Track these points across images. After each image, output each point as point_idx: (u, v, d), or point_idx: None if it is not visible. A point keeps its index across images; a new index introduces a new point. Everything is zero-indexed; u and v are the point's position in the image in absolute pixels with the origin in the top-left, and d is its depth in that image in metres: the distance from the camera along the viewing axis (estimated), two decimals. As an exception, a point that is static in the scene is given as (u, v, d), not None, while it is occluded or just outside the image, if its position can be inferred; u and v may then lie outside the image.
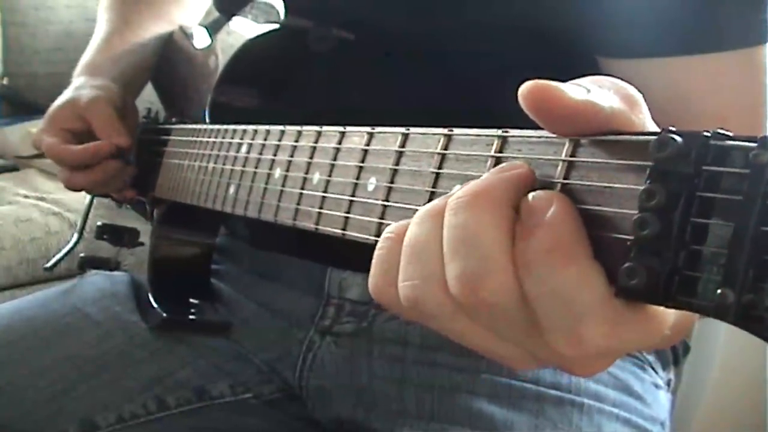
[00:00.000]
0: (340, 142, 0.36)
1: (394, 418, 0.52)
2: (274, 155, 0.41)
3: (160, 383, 0.57)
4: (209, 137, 0.52)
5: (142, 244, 0.70)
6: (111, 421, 0.55)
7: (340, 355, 0.55)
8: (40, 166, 1.45)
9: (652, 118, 0.25)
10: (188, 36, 0.68)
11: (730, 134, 0.21)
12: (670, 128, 0.21)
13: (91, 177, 0.66)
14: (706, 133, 0.21)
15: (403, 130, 0.32)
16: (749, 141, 0.20)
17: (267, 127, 0.43)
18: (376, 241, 0.28)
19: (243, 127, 0.47)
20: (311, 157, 0.38)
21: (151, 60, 0.72)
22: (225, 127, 0.49)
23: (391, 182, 0.32)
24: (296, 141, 0.40)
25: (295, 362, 0.57)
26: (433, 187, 0.29)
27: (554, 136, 0.25)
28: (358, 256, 0.32)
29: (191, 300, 0.62)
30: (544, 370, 0.51)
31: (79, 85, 0.68)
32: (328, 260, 0.56)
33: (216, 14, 0.65)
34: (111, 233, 0.70)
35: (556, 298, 0.23)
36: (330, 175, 0.36)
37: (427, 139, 0.30)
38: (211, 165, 0.50)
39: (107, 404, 0.55)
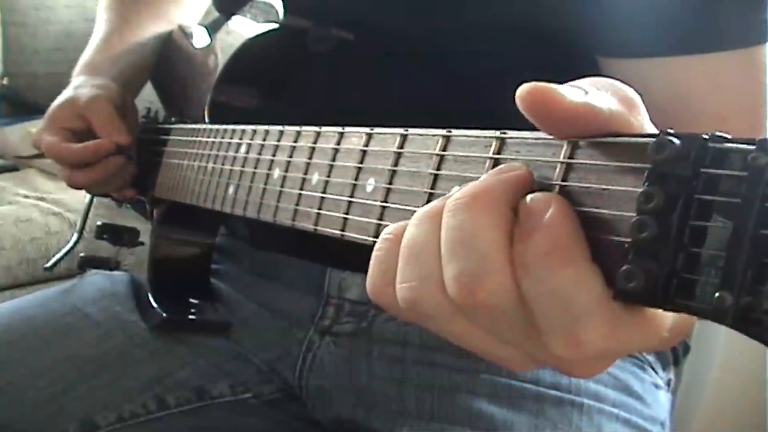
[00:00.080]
0: (338, 143, 0.36)
1: (393, 418, 0.52)
2: (273, 155, 0.41)
3: (160, 383, 0.57)
4: (208, 137, 0.52)
5: (142, 243, 0.70)
6: (111, 420, 0.55)
7: (340, 355, 0.55)
8: (40, 166, 1.45)
9: (652, 118, 0.25)
10: (187, 35, 0.68)
11: (729, 137, 0.21)
12: (669, 130, 0.21)
13: (92, 175, 0.66)
14: (704, 136, 0.21)
15: (401, 131, 0.32)
16: (747, 144, 0.20)
17: (266, 127, 0.43)
18: (375, 242, 0.28)
19: (242, 127, 0.46)
20: (310, 158, 0.38)
21: (151, 59, 0.72)
22: (224, 127, 0.49)
23: (390, 183, 0.31)
24: (295, 141, 0.40)
25: (295, 362, 0.57)
26: (432, 188, 0.29)
27: (552, 138, 0.25)
28: (357, 256, 0.32)
29: (191, 300, 0.62)
30: (543, 370, 0.51)
31: (79, 85, 0.68)
32: (328, 260, 0.56)
33: (215, 14, 0.65)
34: (111, 233, 0.70)
35: (554, 299, 0.23)
36: (329, 176, 0.36)
37: (425, 140, 0.30)
38: (210, 165, 0.50)
39: (107, 404, 0.55)
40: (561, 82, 0.24)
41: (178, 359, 0.58)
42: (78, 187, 0.68)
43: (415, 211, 0.27)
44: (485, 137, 0.28)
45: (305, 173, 0.38)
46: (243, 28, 0.56)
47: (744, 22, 0.42)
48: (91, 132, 0.66)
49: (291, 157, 0.40)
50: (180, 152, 0.58)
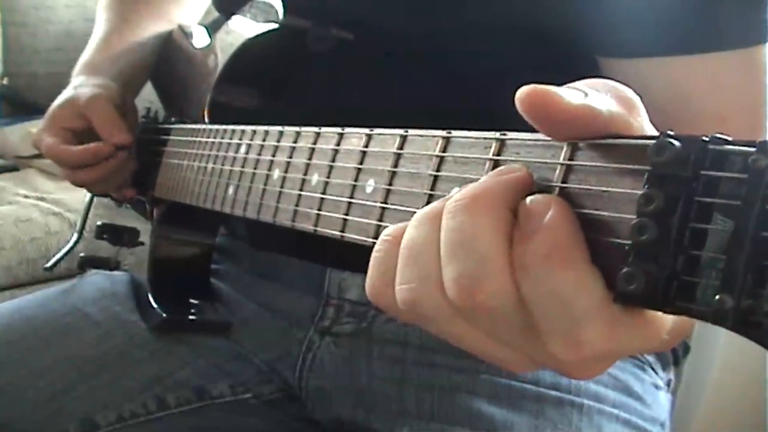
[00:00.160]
0: (338, 144, 0.36)
1: (393, 418, 0.52)
2: (273, 156, 0.41)
3: (160, 383, 0.57)
4: (208, 137, 0.52)
5: (142, 243, 0.70)
6: (111, 420, 0.55)
7: (340, 356, 0.55)
8: (40, 166, 1.45)
9: (652, 118, 0.25)
10: (187, 35, 0.68)
11: (729, 138, 0.21)
12: (669, 132, 0.21)
13: (92, 175, 0.66)
14: (704, 138, 0.21)
15: (401, 131, 0.32)
16: (748, 146, 0.20)
17: (266, 127, 0.43)
18: (374, 243, 0.28)
19: (242, 127, 0.46)
20: (310, 159, 0.38)
21: (150, 59, 0.72)
22: (224, 127, 0.49)
23: (390, 184, 0.31)
24: (295, 142, 0.39)
25: (295, 362, 0.57)
26: (431, 189, 0.29)
27: (552, 139, 0.25)
28: (357, 257, 0.32)
29: (191, 300, 0.62)
30: (543, 370, 0.51)
31: (79, 84, 0.68)
32: (328, 261, 0.56)
33: (215, 13, 0.65)
34: (111, 233, 0.70)
35: (554, 301, 0.23)
36: (328, 177, 0.36)
37: (425, 141, 0.30)
38: (210, 165, 0.50)
39: (107, 404, 0.55)
40: (561, 83, 0.24)
41: (178, 359, 0.58)
42: (79, 186, 0.68)
43: (414, 213, 0.27)
44: (485, 138, 0.28)
45: (305, 174, 0.38)
46: (243, 28, 0.56)
47: (744, 22, 0.42)
48: (92, 131, 0.65)
49: (291, 157, 0.39)
50: (180, 152, 0.58)
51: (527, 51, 0.45)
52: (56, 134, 0.66)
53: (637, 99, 0.25)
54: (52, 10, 1.72)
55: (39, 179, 1.42)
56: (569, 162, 0.24)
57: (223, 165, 0.48)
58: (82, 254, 0.70)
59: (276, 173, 0.41)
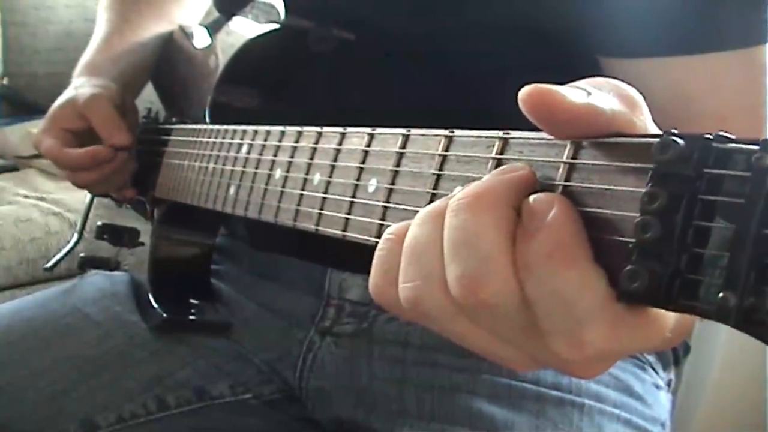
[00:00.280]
0: (340, 143, 0.36)
1: (394, 418, 0.52)
2: (275, 156, 0.41)
3: (160, 383, 0.57)
4: (209, 137, 0.52)
5: (142, 244, 0.70)
6: (111, 421, 0.55)
7: (340, 356, 0.55)
8: (40, 166, 1.45)
9: (653, 119, 0.25)
10: (188, 36, 0.68)
11: (732, 137, 0.21)
12: (672, 130, 0.21)
13: (93, 177, 0.66)
14: (708, 136, 0.21)
15: (403, 131, 0.32)
16: (751, 144, 0.20)
17: (267, 127, 0.43)
18: (377, 243, 0.28)
19: (243, 127, 0.46)
20: (311, 158, 0.38)
21: (151, 60, 0.72)
22: (225, 127, 0.49)
23: (392, 183, 0.31)
24: (296, 142, 0.40)
25: (295, 362, 0.57)
26: (434, 188, 0.29)
27: (555, 138, 0.25)
28: (358, 257, 0.32)
29: (191, 300, 0.62)
30: (544, 370, 0.51)
31: (79, 85, 0.68)
32: (328, 261, 0.56)
33: (216, 14, 0.65)
34: (111, 233, 0.70)
35: (557, 300, 0.23)
36: (330, 176, 0.36)
37: (427, 140, 0.30)
38: (211, 165, 0.50)
39: (107, 404, 0.55)
40: (562, 82, 0.24)
41: (179, 359, 0.58)
42: (80, 186, 0.68)
43: (417, 212, 0.27)
44: (488, 137, 0.28)
45: (307, 173, 0.38)
46: (244, 28, 0.56)
47: (744, 23, 0.42)
48: (92, 132, 0.65)
49: (292, 157, 0.39)
50: (181, 152, 0.58)
51: (528, 51, 0.45)
52: (56, 136, 0.66)
53: (639, 97, 0.25)
54: (52, 10, 1.72)
55: (39, 179, 1.42)
56: (572, 160, 0.24)
57: (224, 165, 0.48)
58: (82, 254, 0.70)
59: (278, 173, 0.41)
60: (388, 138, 0.33)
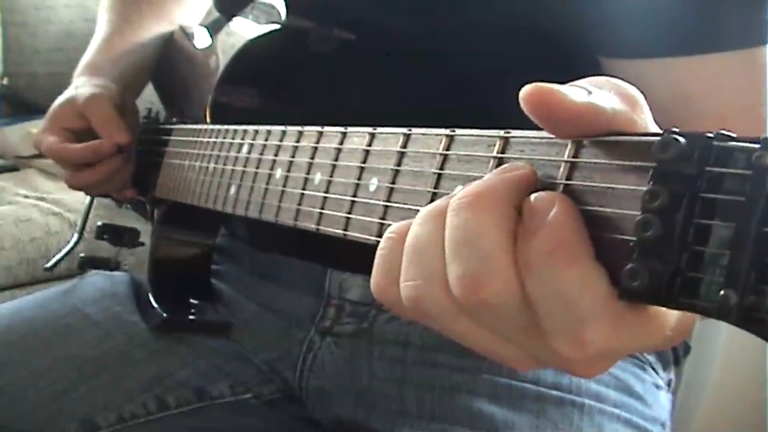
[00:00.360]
0: (341, 143, 0.36)
1: (394, 418, 0.52)
2: (275, 156, 0.41)
3: (160, 383, 0.57)
4: (210, 137, 0.52)
5: (142, 244, 0.70)
6: (111, 421, 0.55)
7: (341, 356, 0.55)
8: (40, 166, 1.45)
9: (654, 118, 0.25)
10: (189, 36, 0.68)
11: (733, 135, 0.21)
12: (673, 129, 0.21)
13: (93, 176, 0.66)
14: (708, 134, 0.21)
15: (404, 130, 0.32)
16: (752, 142, 0.20)
17: (268, 127, 0.43)
18: (378, 242, 0.28)
19: (244, 127, 0.46)
20: (312, 158, 0.38)
21: (152, 60, 0.72)
22: (226, 127, 0.49)
23: (393, 183, 0.31)
24: (297, 141, 0.40)
25: (295, 362, 0.57)
26: (435, 187, 0.29)
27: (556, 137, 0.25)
28: (358, 257, 0.32)
29: (191, 300, 0.62)
30: (544, 370, 0.51)
31: (79, 85, 0.68)
32: (328, 261, 0.56)
33: (216, 14, 0.65)
34: (111, 233, 0.71)
35: (558, 299, 0.23)
36: (331, 176, 0.36)
37: (428, 139, 0.30)
38: (211, 165, 0.50)
39: (107, 404, 0.55)
40: (563, 82, 0.24)
41: (179, 359, 0.58)
42: (78, 189, 0.68)
43: (418, 211, 0.27)
44: (489, 136, 0.28)
45: (308, 173, 0.38)
46: (244, 29, 0.56)
47: (744, 23, 0.42)
48: (92, 131, 0.66)
49: (293, 157, 0.40)
50: (181, 153, 0.58)
51: (528, 51, 0.45)
52: (56, 134, 0.66)
53: (640, 96, 0.25)
54: (52, 10, 1.72)
55: (39, 179, 1.42)
56: (573, 159, 0.24)
57: (225, 165, 0.48)
58: (82, 254, 0.70)
59: (278, 172, 0.41)
60: (389, 137, 0.33)
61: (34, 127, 0.79)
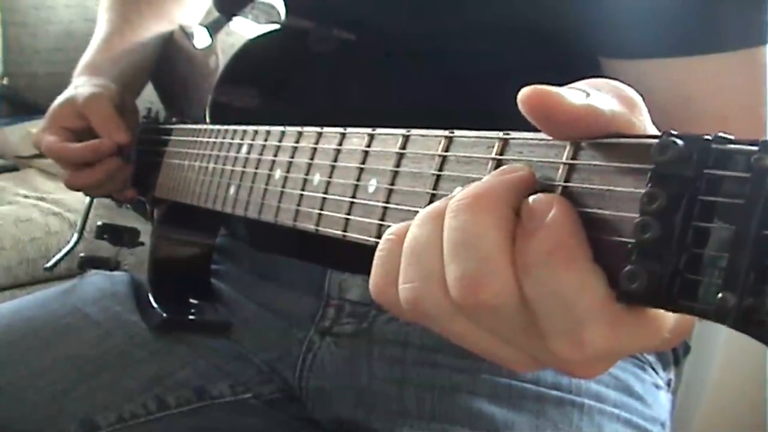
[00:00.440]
0: (340, 144, 0.36)
1: (394, 418, 0.52)
2: (275, 156, 0.41)
3: (160, 383, 0.57)
4: (209, 137, 0.52)
5: (142, 243, 0.70)
6: (111, 420, 0.55)
7: (340, 356, 0.55)
8: (40, 166, 1.45)
9: (654, 119, 0.25)
10: (188, 36, 0.68)
11: (732, 138, 0.21)
12: (672, 131, 0.21)
13: (93, 176, 0.66)
14: (707, 137, 0.21)
15: (403, 131, 0.32)
16: (751, 144, 0.20)
17: (267, 127, 0.43)
18: (377, 243, 0.28)
19: (243, 127, 0.46)
20: (312, 158, 0.38)
21: (152, 60, 0.72)
22: (225, 127, 0.49)
23: (392, 184, 0.31)
24: (296, 142, 0.40)
25: (295, 362, 0.57)
26: (434, 189, 0.29)
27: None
28: (357, 257, 0.32)
29: (191, 300, 0.62)
30: (544, 370, 0.51)
31: (79, 84, 0.68)
32: (328, 262, 0.56)
33: (216, 14, 0.65)
34: (111, 233, 0.71)
35: (556, 300, 0.23)
36: (330, 177, 0.36)
37: (427, 140, 0.30)
38: (211, 165, 0.50)
39: (107, 404, 0.55)
40: (562, 83, 0.24)
41: (178, 359, 0.58)
42: (77, 189, 0.68)
43: (417, 212, 0.27)
44: (488, 138, 0.28)
45: (307, 174, 0.38)
46: (244, 29, 0.56)
47: (744, 23, 0.42)
48: (91, 131, 0.66)
49: (292, 157, 0.40)
50: (181, 152, 0.58)
51: (528, 51, 0.45)
52: (56, 133, 0.66)
53: (638, 98, 0.25)
54: (52, 10, 1.72)
55: (39, 179, 1.42)
56: (572, 161, 0.24)
57: (224, 165, 0.48)
58: (82, 254, 0.70)
59: (278, 173, 0.41)
60: (388, 138, 0.33)
61: (34, 127, 0.79)
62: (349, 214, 0.34)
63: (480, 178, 0.26)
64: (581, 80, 0.25)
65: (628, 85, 0.25)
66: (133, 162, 0.67)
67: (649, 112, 0.25)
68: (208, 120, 0.55)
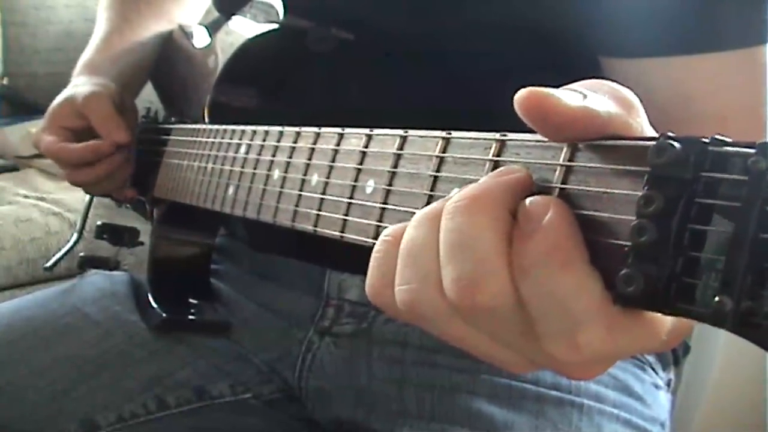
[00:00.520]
0: (338, 144, 0.36)
1: (394, 418, 0.52)
2: (273, 156, 0.41)
3: (160, 383, 0.57)
4: (208, 137, 0.52)
5: (141, 243, 0.70)
6: (111, 420, 0.55)
7: (340, 356, 0.55)
8: (40, 166, 1.45)
9: (653, 118, 0.25)
10: (188, 35, 0.68)
11: (729, 140, 0.21)
12: (669, 134, 0.21)
13: (93, 174, 0.66)
14: (704, 139, 0.21)
15: (401, 132, 0.32)
16: (748, 147, 0.20)
17: (266, 127, 0.43)
18: (374, 244, 0.28)
19: (242, 127, 0.46)
20: (310, 159, 0.38)
21: (151, 59, 0.72)
22: (224, 127, 0.49)
23: (390, 185, 0.31)
24: (295, 142, 0.40)
25: (295, 362, 0.57)
26: (431, 190, 0.29)
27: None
28: (357, 258, 0.32)
29: (191, 300, 0.62)
30: (543, 370, 0.51)
31: (78, 84, 0.68)
32: (327, 262, 0.56)
33: (215, 14, 0.65)
34: (111, 233, 0.71)
35: (553, 302, 0.23)
36: (328, 177, 0.36)
37: (425, 141, 0.30)
38: (210, 165, 0.50)
39: (107, 404, 0.55)
40: (562, 83, 0.24)
41: (178, 359, 0.58)
42: (78, 185, 0.68)
43: (414, 213, 0.27)
44: (485, 139, 0.28)
45: (305, 174, 0.38)
46: (243, 28, 0.56)
47: (744, 23, 0.42)
48: (91, 130, 0.66)
49: (291, 157, 0.39)
50: (180, 152, 0.58)
51: (528, 51, 0.45)
52: (55, 133, 0.66)
53: (636, 100, 0.25)
54: (52, 10, 1.72)
55: (39, 179, 1.42)
56: (569, 163, 0.24)
57: (223, 165, 0.48)
58: (81, 254, 0.70)
59: (276, 173, 0.41)
60: (386, 139, 0.33)
61: (34, 127, 0.79)
62: (346, 214, 0.34)
63: (477, 180, 0.26)
64: (580, 80, 0.25)
65: (628, 85, 0.25)
66: (133, 161, 0.67)
67: (648, 111, 0.25)
68: (206, 120, 0.55)
